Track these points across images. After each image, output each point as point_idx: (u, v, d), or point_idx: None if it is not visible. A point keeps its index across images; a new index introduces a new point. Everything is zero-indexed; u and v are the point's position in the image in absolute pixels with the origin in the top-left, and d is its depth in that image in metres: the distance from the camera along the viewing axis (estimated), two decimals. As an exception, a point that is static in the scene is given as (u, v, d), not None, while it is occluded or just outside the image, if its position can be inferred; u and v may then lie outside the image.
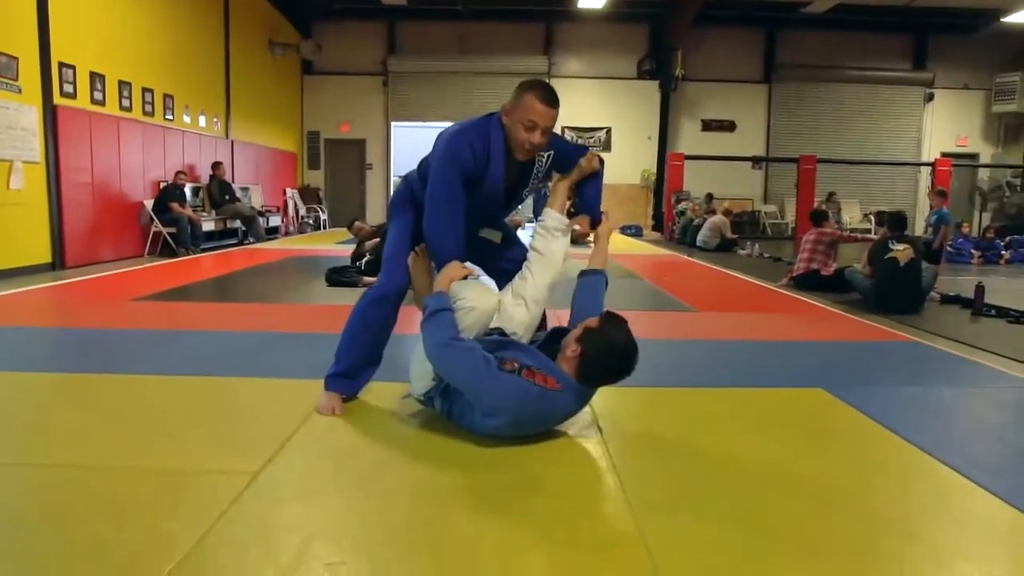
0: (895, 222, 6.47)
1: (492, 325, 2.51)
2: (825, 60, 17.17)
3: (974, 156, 17.64)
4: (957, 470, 2.30)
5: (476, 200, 2.56)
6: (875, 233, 15.10)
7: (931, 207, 9.19)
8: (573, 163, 2.76)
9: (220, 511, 1.87)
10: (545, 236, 2.69)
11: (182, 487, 2.03)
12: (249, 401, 2.89)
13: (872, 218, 16.30)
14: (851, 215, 16.86)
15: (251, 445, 2.33)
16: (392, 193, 2.80)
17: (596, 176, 2.83)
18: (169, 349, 3.87)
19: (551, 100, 2.46)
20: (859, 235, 7.63)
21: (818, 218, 7.78)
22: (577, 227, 2.78)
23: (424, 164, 2.67)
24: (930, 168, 15.90)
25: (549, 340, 2.55)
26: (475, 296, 2.42)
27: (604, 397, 2.55)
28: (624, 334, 2.34)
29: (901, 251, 5.98)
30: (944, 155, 16.19)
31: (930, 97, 17.63)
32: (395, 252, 2.71)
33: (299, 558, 1.67)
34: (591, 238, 2.85)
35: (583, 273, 2.77)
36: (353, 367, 2.74)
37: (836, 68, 17.27)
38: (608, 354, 2.31)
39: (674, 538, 1.80)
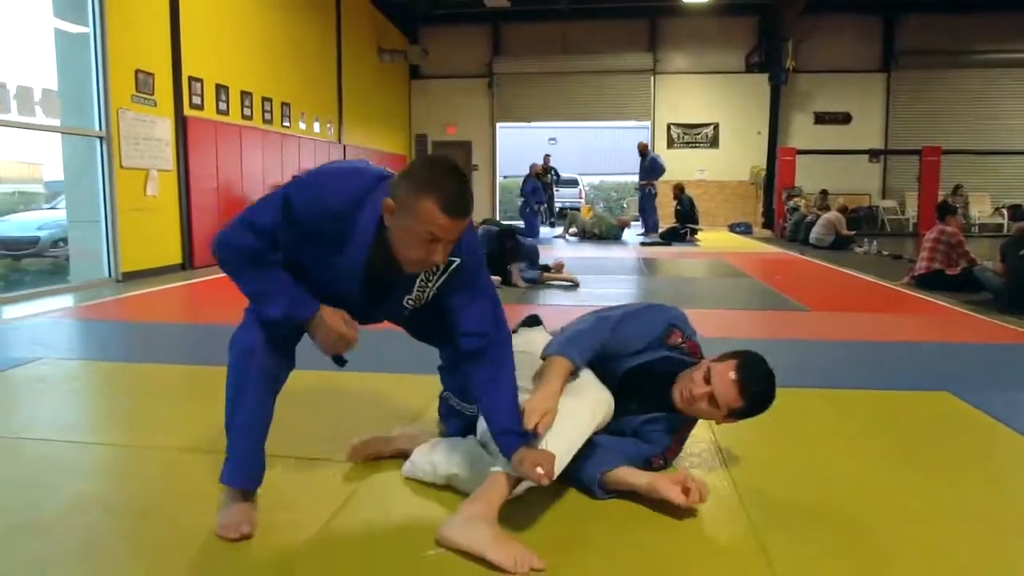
0: (1037, 216, 6.03)
1: None
2: (949, 45, 16.19)
3: (1122, 143, 16.20)
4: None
5: (322, 270, 1.79)
6: (1008, 229, 14.17)
7: None
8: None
9: (346, 495, 1.98)
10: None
11: (305, 472, 2.15)
12: (375, 394, 3.01)
13: (1004, 212, 15.24)
14: (980, 209, 15.80)
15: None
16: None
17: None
18: (304, 341, 4.07)
19: (461, 209, 1.62)
20: (978, 260, 6.57)
21: (943, 212, 7.29)
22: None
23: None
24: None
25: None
26: None
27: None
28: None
29: (1038, 247, 5.58)
30: (1087, 142, 14.96)
31: (1069, 80, 16.33)
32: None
33: (421, 545, 1.74)
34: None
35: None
36: None
37: (961, 53, 16.24)
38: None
39: (787, 535, 1.77)
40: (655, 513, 1.88)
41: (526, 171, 14.04)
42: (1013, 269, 5.68)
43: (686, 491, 1.83)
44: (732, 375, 1.93)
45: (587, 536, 1.78)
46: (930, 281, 6.76)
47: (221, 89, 8.81)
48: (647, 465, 2.02)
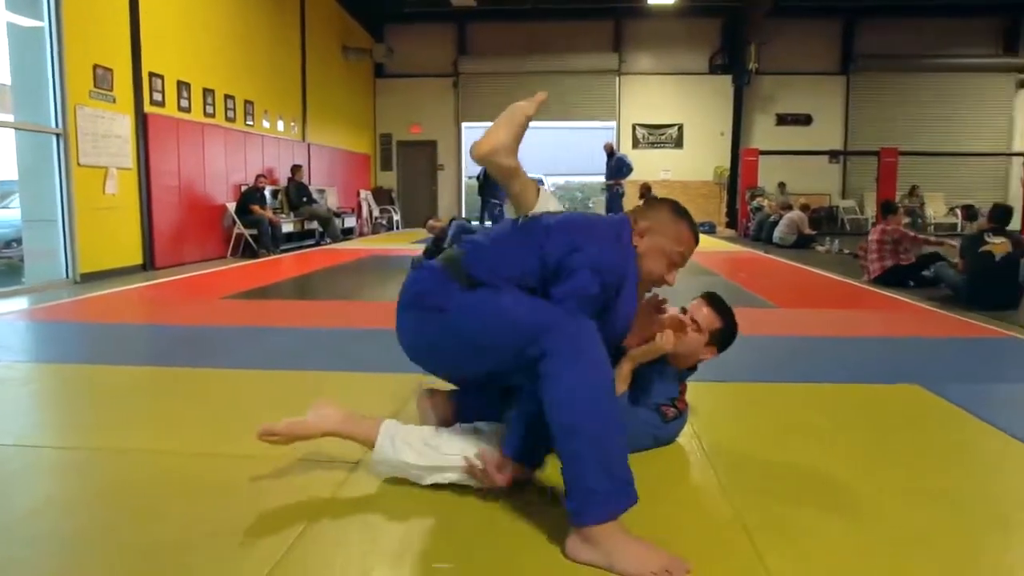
0: (997, 215, 6.17)
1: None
2: (907, 49, 16.55)
3: (1070, 146, 16.72)
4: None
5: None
6: (961, 228, 14.51)
7: None
8: None
9: (331, 492, 1.94)
10: None
11: (285, 474, 2.10)
12: (340, 394, 2.96)
13: (958, 212, 15.61)
14: (936, 209, 16.19)
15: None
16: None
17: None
18: (266, 343, 4.01)
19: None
20: (932, 237, 6.77)
21: (885, 211, 7.38)
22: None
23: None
24: (1023, 159, 15.17)
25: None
26: None
27: (692, 393, 2.52)
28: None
29: (998, 244, 5.71)
30: (1037, 145, 15.40)
31: (1021, 84, 16.77)
32: None
33: (403, 548, 1.71)
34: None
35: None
36: None
37: (919, 57, 16.61)
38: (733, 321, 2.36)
39: (773, 525, 1.78)
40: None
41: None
42: (972, 266, 5.81)
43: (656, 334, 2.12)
44: (705, 308, 2.33)
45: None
46: (888, 278, 6.88)
47: (183, 86, 8.63)
48: (661, 416, 2.28)
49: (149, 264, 7.95)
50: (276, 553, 1.64)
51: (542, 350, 1.66)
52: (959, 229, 14.37)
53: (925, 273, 6.67)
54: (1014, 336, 4.43)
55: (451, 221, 7.52)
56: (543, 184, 2.28)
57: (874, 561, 1.63)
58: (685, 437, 2.42)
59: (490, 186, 13.77)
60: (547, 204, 2.14)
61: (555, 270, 1.83)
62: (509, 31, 16.82)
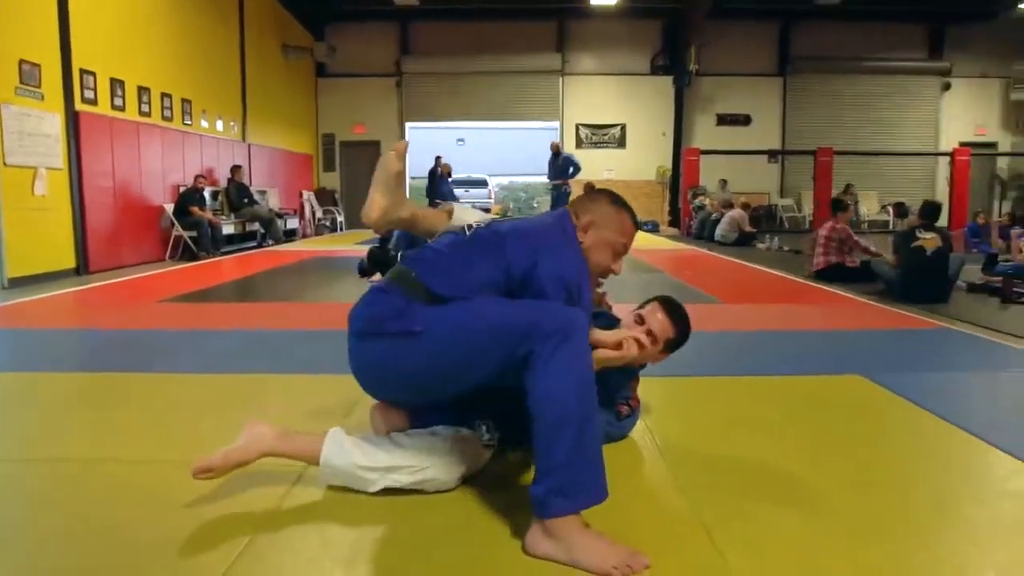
0: (927, 211, 6.39)
1: None
2: (840, 51, 17.07)
3: (992, 145, 17.46)
4: (1003, 449, 2.29)
5: None
6: (893, 225, 15.01)
7: None
8: None
9: (274, 504, 1.88)
10: None
11: (230, 482, 2.03)
12: (286, 396, 2.89)
13: (890, 210, 16.14)
14: (869, 207, 16.73)
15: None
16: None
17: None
18: (208, 346, 3.89)
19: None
20: (872, 247, 6.92)
21: (835, 208, 7.55)
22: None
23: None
24: (949, 158, 15.79)
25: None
26: None
27: (644, 388, 2.53)
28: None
29: (928, 239, 5.92)
30: (962, 144, 16.04)
31: (947, 86, 17.47)
32: None
33: (354, 553, 1.67)
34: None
35: None
36: None
37: (851, 59, 17.16)
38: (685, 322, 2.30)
39: (729, 518, 1.80)
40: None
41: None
42: (905, 261, 6.01)
43: (619, 345, 2.06)
44: (660, 314, 2.24)
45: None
46: (829, 274, 7.07)
47: (116, 83, 8.34)
48: (616, 414, 2.31)
49: (83, 268, 7.66)
50: (223, 563, 1.58)
51: (531, 347, 1.64)
52: (891, 226, 14.85)
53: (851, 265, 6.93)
54: (945, 327, 4.60)
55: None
56: (455, 204, 2.25)
57: (831, 552, 1.66)
58: (637, 433, 2.43)
59: (433, 186, 13.73)
60: (466, 219, 2.10)
61: (521, 282, 1.83)
62: (452, 31, 16.76)
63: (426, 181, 13.95)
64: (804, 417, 2.69)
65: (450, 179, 14.14)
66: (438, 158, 14.23)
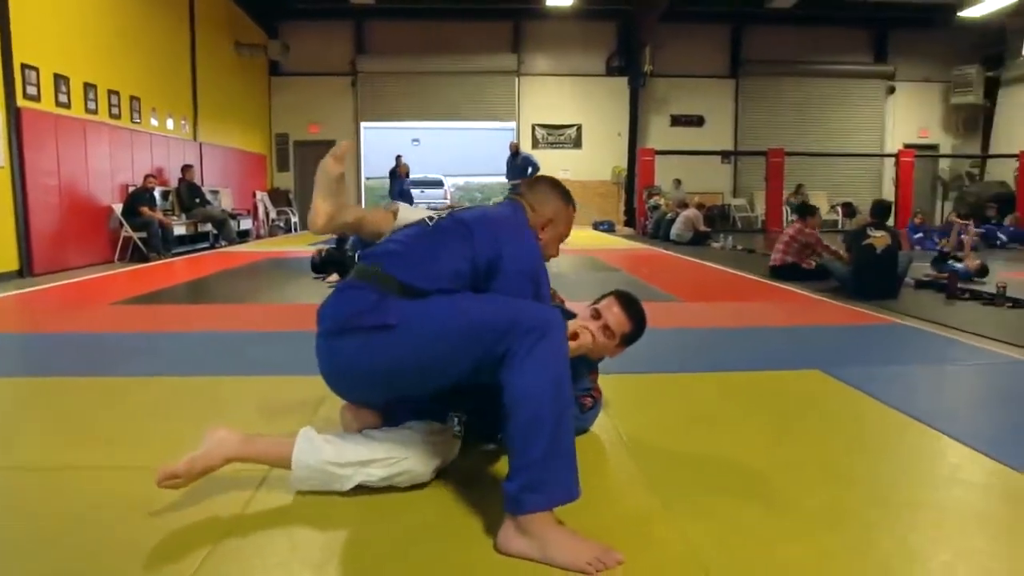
0: (878, 210, 6.56)
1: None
2: (789, 55, 17.42)
3: (935, 147, 18.03)
4: (952, 436, 2.38)
5: None
6: (842, 225, 15.37)
7: None
8: None
9: (239, 509, 1.84)
10: None
11: (193, 486, 1.98)
12: (243, 398, 2.84)
13: (839, 210, 16.54)
14: (819, 207, 17.08)
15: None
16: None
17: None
18: (161, 349, 3.80)
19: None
20: (842, 252, 6.98)
21: (803, 212, 7.56)
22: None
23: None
24: (894, 159, 16.24)
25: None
26: None
27: (607, 385, 2.55)
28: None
29: (879, 238, 6.06)
30: (907, 146, 16.52)
31: (891, 90, 17.96)
32: None
33: (326, 556, 1.64)
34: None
35: None
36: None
37: (800, 63, 17.52)
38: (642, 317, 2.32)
39: (697, 512, 1.82)
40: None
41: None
42: (856, 258, 6.15)
43: (574, 336, 2.12)
44: (616, 308, 2.27)
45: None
46: (783, 272, 7.20)
47: (60, 79, 8.09)
48: (579, 407, 2.29)
49: (27, 270, 7.41)
50: (187, 570, 1.55)
51: (508, 344, 1.64)
52: (839, 226, 15.21)
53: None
54: (895, 322, 4.73)
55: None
56: (400, 204, 2.27)
57: (796, 542, 1.69)
58: (603, 428, 2.44)
59: (392, 184, 13.66)
60: (411, 219, 2.09)
61: (486, 271, 1.84)
62: (408, 30, 16.66)
63: (386, 181, 13.87)
64: (765, 411, 2.74)
65: (407, 179, 14.11)
66: (398, 157, 14.16)
